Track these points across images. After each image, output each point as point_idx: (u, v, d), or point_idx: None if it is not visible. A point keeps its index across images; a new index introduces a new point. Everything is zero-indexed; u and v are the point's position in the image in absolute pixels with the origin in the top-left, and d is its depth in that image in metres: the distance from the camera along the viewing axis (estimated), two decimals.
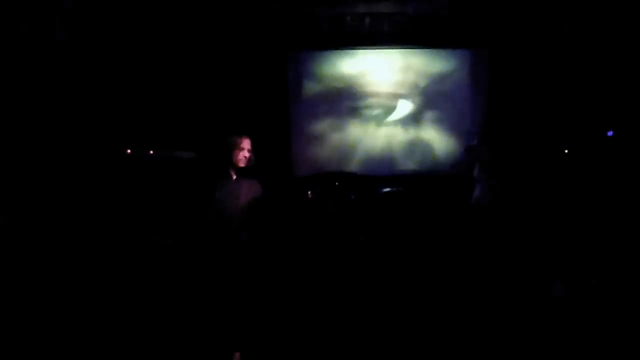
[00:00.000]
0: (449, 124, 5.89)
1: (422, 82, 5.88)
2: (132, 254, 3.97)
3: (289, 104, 5.84)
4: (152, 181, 4.77)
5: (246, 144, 3.01)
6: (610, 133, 5.16)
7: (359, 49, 5.83)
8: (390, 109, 5.90)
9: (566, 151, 5.29)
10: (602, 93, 5.27)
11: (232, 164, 2.98)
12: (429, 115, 5.91)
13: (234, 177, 3.03)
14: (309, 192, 4.58)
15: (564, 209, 4.75)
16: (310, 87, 5.90)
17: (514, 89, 5.62)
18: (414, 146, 5.91)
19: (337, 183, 4.90)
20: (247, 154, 3.00)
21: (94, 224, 4.31)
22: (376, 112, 5.90)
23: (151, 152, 4.90)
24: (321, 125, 5.92)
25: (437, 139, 5.89)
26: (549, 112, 5.52)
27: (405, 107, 5.90)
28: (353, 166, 5.82)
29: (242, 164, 2.99)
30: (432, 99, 5.89)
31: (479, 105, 5.85)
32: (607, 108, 5.25)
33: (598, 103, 5.30)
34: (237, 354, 2.89)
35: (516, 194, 4.72)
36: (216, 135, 3.13)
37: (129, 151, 4.84)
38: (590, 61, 5.29)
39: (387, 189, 5.39)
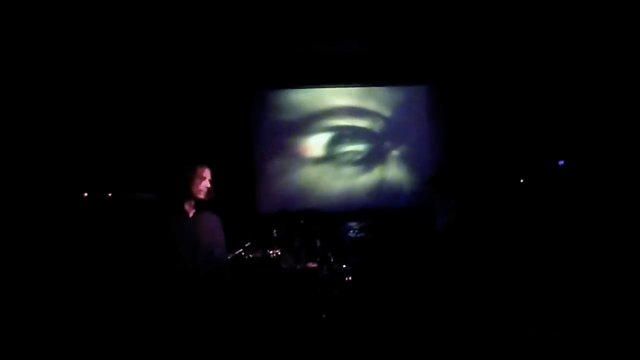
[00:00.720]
0: (410, 157, 6.03)
1: (383, 118, 6.03)
2: (87, 300, 3.78)
3: (252, 142, 5.85)
4: (111, 225, 4.60)
5: (207, 173, 2.77)
6: (561, 162, 5.41)
7: (322, 87, 5.97)
8: (351, 145, 6.00)
9: (522, 180, 5.50)
10: (554, 126, 5.54)
11: (191, 196, 2.73)
12: (390, 149, 6.03)
13: (191, 213, 2.76)
14: (274, 231, 4.53)
15: (521, 234, 4.91)
16: (274, 124, 5.94)
17: (471, 123, 5.84)
18: (376, 181, 5.99)
19: (302, 221, 4.87)
20: (208, 184, 2.76)
21: (49, 270, 4.10)
22: (338, 148, 5.98)
23: (110, 194, 4.74)
24: (285, 162, 5.93)
25: (399, 173, 6.00)
26: (505, 144, 5.74)
27: (366, 142, 6.01)
28: (317, 202, 5.82)
29: (202, 196, 2.73)
30: (393, 134, 6.03)
31: (438, 139, 6.03)
32: (558, 140, 5.51)
33: (550, 135, 5.57)
34: None
35: (477, 221, 4.85)
36: (173, 167, 2.84)
37: (85, 194, 4.67)
38: (543, 95, 5.58)
39: (353, 224, 5.41)
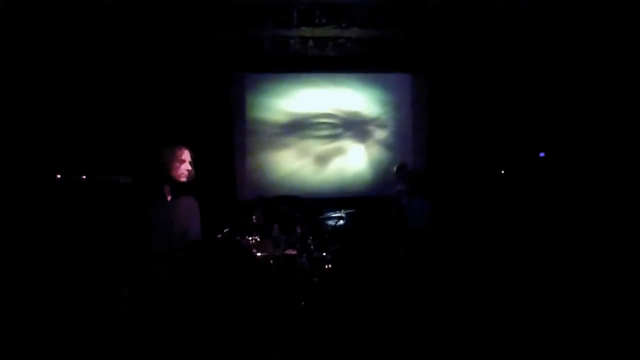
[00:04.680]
0: (394, 145, 5.99)
1: (365, 105, 5.97)
2: (60, 283, 3.67)
3: (232, 127, 5.74)
4: (84, 208, 4.47)
5: (187, 155, 2.67)
6: (542, 154, 5.45)
7: (303, 72, 5.86)
8: (333, 132, 5.94)
9: (502, 172, 5.53)
10: (535, 118, 5.57)
11: (170, 179, 2.63)
12: (373, 137, 5.99)
13: (169, 196, 2.69)
14: (254, 217, 4.45)
15: (501, 225, 4.94)
16: (254, 110, 5.83)
17: (454, 112, 5.83)
18: (359, 168, 5.95)
19: (282, 207, 4.81)
20: (188, 167, 2.66)
21: (21, 253, 3.97)
22: (320, 134, 5.91)
23: (84, 177, 4.58)
24: (265, 148, 5.84)
25: (381, 161, 5.97)
26: (486, 136, 5.75)
27: (348, 130, 5.95)
28: (298, 189, 5.75)
29: (183, 179, 2.64)
30: (375, 122, 5.99)
31: (422, 127, 6.00)
32: (539, 132, 5.55)
33: (531, 127, 5.59)
34: None
35: (453, 216, 4.85)
36: (151, 149, 2.73)
37: (58, 176, 4.51)
38: (525, 89, 5.59)
39: (335, 211, 5.36)
